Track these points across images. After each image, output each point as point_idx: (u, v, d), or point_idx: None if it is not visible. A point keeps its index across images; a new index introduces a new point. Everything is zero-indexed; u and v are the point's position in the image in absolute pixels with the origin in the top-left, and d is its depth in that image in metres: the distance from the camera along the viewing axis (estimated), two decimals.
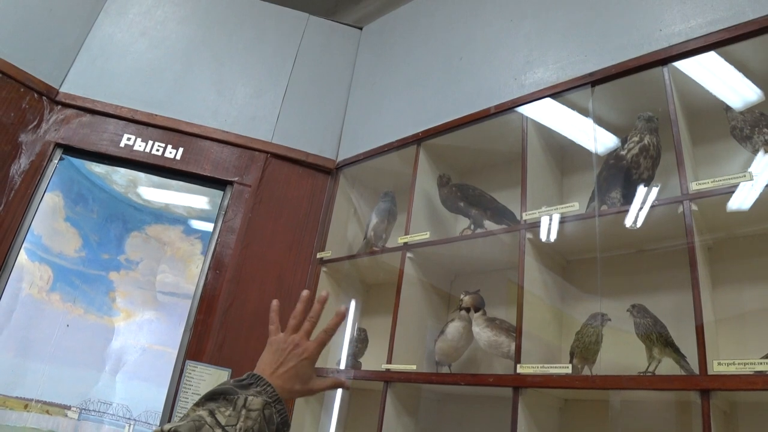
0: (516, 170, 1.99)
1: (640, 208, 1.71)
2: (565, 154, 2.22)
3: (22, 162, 2.43)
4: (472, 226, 2.17)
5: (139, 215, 3.87)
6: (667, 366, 1.56)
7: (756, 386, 1.29)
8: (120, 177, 3.43)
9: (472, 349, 2.06)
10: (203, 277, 2.49)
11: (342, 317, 1.22)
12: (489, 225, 2.17)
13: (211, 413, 0.97)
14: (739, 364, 1.35)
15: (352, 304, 2.64)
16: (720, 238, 1.72)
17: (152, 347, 3.66)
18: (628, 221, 1.71)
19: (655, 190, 1.72)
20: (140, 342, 3.74)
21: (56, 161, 2.53)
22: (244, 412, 1.00)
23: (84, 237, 3.65)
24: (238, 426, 0.97)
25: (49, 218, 3.14)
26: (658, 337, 1.59)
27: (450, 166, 2.44)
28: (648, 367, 1.60)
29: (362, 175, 2.79)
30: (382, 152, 2.57)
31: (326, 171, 2.81)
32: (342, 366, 2.31)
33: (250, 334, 2.43)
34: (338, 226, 2.74)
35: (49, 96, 2.52)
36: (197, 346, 2.38)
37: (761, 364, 1.33)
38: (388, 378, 2.01)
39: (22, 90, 2.44)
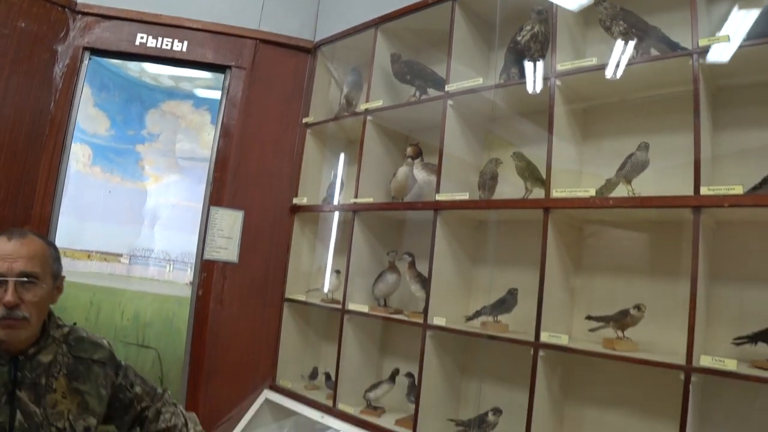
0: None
1: (533, 81, 2.44)
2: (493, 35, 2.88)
3: (60, 66, 3.16)
4: (417, 93, 2.91)
5: (154, 94, 4.62)
6: (538, 194, 2.36)
7: (575, 204, 2.13)
8: (133, 64, 4.14)
9: (417, 186, 2.88)
10: (215, 144, 3.31)
11: None
12: (432, 93, 2.89)
13: None
14: (570, 191, 2.18)
15: (341, 160, 3.46)
16: (591, 106, 2.46)
17: (179, 203, 4.58)
18: (513, 94, 2.47)
19: (540, 69, 2.43)
20: (169, 200, 4.66)
21: (86, 62, 3.25)
22: None
23: (111, 118, 4.45)
24: None
25: (82, 106, 3.88)
26: (529, 175, 2.41)
27: (403, 46, 3.11)
28: (524, 194, 2.43)
29: (337, 52, 3.49)
30: (350, 34, 3.25)
31: (306, 50, 3.51)
32: (335, 201, 3.18)
33: (255, 185, 3.31)
34: (319, 96, 3.51)
35: (69, 7, 3.19)
36: (217, 196, 3.26)
37: (586, 191, 2.14)
38: (355, 209, 2.90)
39: (47, 6, 3.10)
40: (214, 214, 3.26)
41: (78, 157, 4.28)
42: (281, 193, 3.37)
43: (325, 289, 3.17)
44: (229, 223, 3.27)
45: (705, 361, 1.82)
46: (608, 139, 2.46)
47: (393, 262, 2.82)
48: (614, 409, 2.28)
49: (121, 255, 4.61)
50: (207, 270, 3.22)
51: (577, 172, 2.47)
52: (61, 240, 4.17)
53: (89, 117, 4.28)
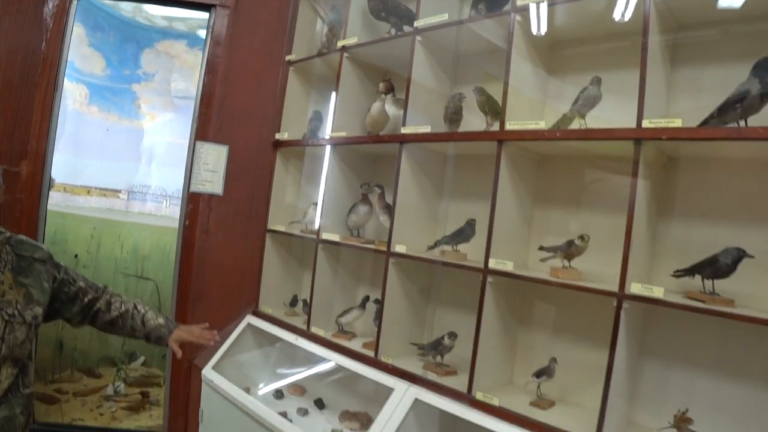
0: None
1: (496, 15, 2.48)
2: None
3: (50, 6, 3.24)
4: (392, 30, 2.96)
5: (148, 34, 4.70)
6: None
7: (526, 137, 2.21)
8: (126, 4, 4.20)
9: (392, 122, 2.97)
10: (201, 81, 3.41)
11: (206, 342, 2.17)
12: (408, 29, 2.93)
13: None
14: (522, 123, 2.25)
15: (331, 101, 3.53)
16: (556, 42, 2.50)
17: (174, 141, 4.71)
18: (483, 29, 2.51)
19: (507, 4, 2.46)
20: (165, 137, 4.79)
21: (75, 1, 3.32)
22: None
23: (107, 58, 4.55)
24: (149, 314, 2.06)
25: (76, 46, 3.97)
26: (490, 109, 2.48)
27: None
28: (486, 128, 2.50)
29: None
30: None
31: None
32: (318, 136, 3.29)
33: (239, 120, 3.42)
34: (302, 35, 3.56)
35: None
36: (202, 131, 3.37)
37: (537, 123, 2.21)
38: (330, 143, 3.01)
39: None
40: (199, 148, 3.39)
41: (75, 96, 4.41)
42: (264, 128, 3.49)
43: (306, 220, 3.31)
44: (214, 157, 3.40)
45: (635, 288, 1.93)
46: (573, 75, 2.51)
47: (365, 194, 2.94)
48: (563, 335, 2.42)
49: (119, 191, 4.79)
50: (193, 202, 3.37)
51: (541, 107, 2.53)
52: (61, 176, 4.35)
53: (84, 57, 4.39)
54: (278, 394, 3.20)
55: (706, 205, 2.14)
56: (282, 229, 3.39)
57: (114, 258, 4.60)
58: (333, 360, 2.83)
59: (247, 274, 3.48)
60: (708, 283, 1.96)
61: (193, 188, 3.38)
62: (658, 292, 1.89)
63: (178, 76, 4.79)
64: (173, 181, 4.61)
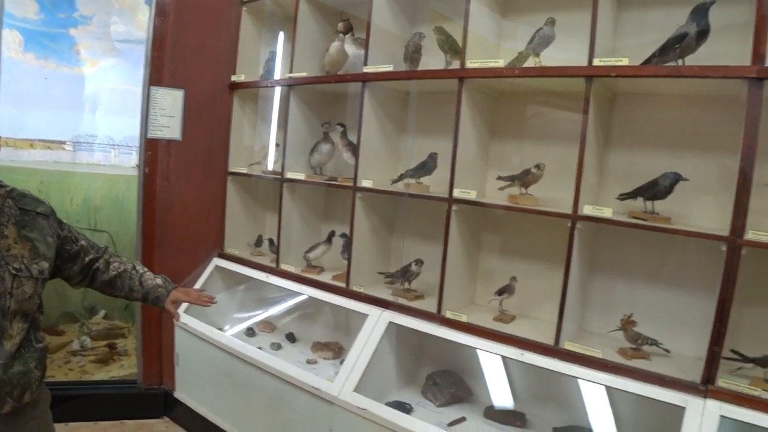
0: None
1: None
2: None
3: None
4: None
5: None
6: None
7: (486, 74, 2.38)
8: None
9: (350, 61, 3.08)
10: (151, 23, 3.40)
11: (204, 304, 2.14)
12: None
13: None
14: (482, 62, 2.42)
15: (280, 39, 3.58)
16: None
17: (118, 87, 4.63)
18: None
19: None
20: (108, 84, 4.69)
21: None
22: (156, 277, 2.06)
23: (38, 1, 4.37)
24: (147, 275, 2.01)
25: None
26: (449, 48, 2.63)
27: None
28: (445, 66, 2.66)
29: None
30: None
31: None
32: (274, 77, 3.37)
33: (193, 63, 3.45)
34: None
35: None
36: (156, 76, 3.39)
37: (496, 62, 2.39)
38: (290, 83, 3.11)
39: None
40: (154, 93, 3.41)
41: (9, 43, 4.25)
42: (220, 71, 3.53)
43: (267, 161, 3.43)
44: (170, 102, 3.43)
45: (587, 210, 2.19)
46: (526, 16, 2.68)
47: (327, 132, 3.08)
48: (521, 258, 2.69)
49: (64, 142, 4.70)
50: (152, 148, 3.42)
51: (496, 47, 2.71)
52: (1, 129, 4.22)
53: (15, 0, 4.21)
54: (249, 332, 3.38)
55: (646, 136, 2.40)
56: (243, 171, 3.49)
57: (65, 211, 4.56)
58: (306, 293, 3.02)
59: (211, 218, 3.59)
60: (649, 204, 2.24)
61: (151, 134, 3.42)
62: (607, 212, 2.16)
63: (118, 19, 4.66)
64: (120, 129, 4.56)
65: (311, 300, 3.06)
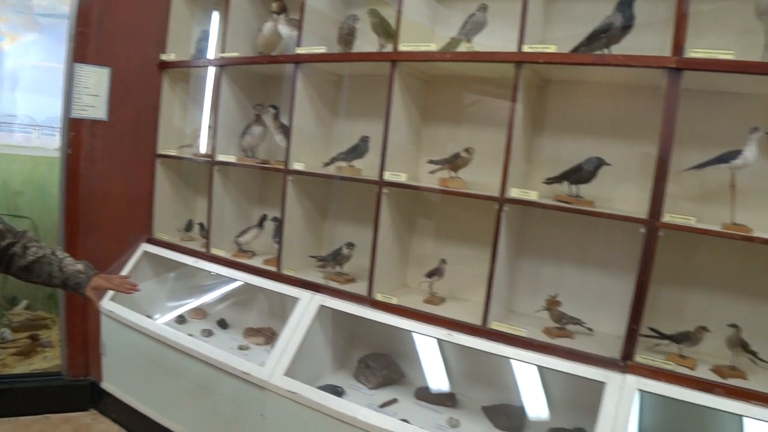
0: None
1: None
2: None
3: None
4: None
5: None
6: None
7: (418, 57, 2.40)
8: None
9: (284, 42, 3.04)
10: None
11: (126, 291, 2.11)
12: None
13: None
14: (414, 45, 2.43)
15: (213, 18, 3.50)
16: None
17: (40, 64, 4.43)
18: None
19: None
20: (29, 61, 4.48)
21: None
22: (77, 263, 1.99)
23: None
24: (67, 260, 1.97)
25: None
26: (383, 30, 2.64)
27: None
28: (378, 49, 2.67)
29: None
30: None
31: None
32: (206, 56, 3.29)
33: (122, 39, 3.32)
34: None
35: None
36: (80, 52, 3.25)
37: (428, 45, 2.40)
38: (222, 63, 3.05)
39: None
40: (78, 71, 3.27)
41: None
42: (149, 49, 3.42)
43: (198, 144, 3.35)
44: (96, 80, 3.30)
45: (514, 193, 2.24)
46: (461, 1, 2.72)
47: (259, 115, 3.04)
48: (451, 240, 2.73)
49: None
50: (75, 129, 3.28)
51: (430, 32, 2.73)
52: None
53: None
54: (180, 319, 3.31)
55: (575, 123, 2.48)
56: (173, 153, 3.41)
57: None
58: (237, 278, 2.98)
59: (139, 202, 3.49)
60: (574, 188, 2.31)
61: (74, 114, 3.28)
62: (533, 196, 2.22)
63: None
64: (43, 109, 4.38)
65: (244, 286, 3.03)
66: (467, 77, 2.64)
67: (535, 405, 2.52)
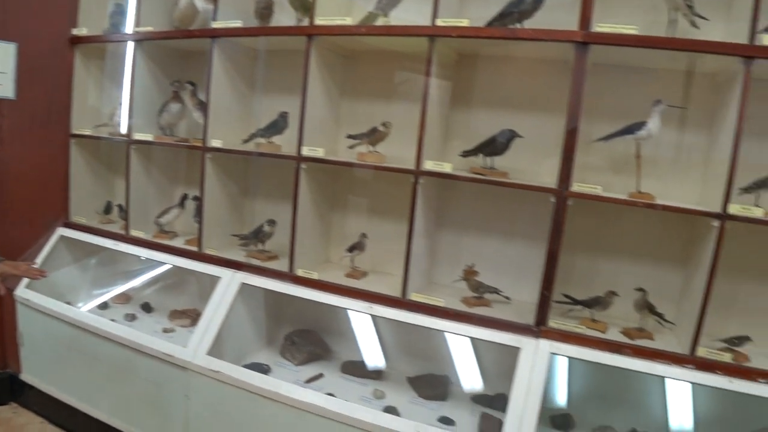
0: None
1: None
2: None
3: None
4: None
5: None
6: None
7: (334, 31, 2.39)
8: None
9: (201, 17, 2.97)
10: None
11: (34, 276, 2.12)
12: None
13: None
14: (330, 19, 2.42)
15: None
16: None
17: None
18: None
19: None
20: None
21: None
22: None
23: None
24: None
25: None
26: (300, 5, 2.61)
27: None
28: (296, 23, 2.64)
29: None
30: None
31: None
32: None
33: (29, 12, 3.14)
34: None
35: None
36: None
37: (344, 19, 2.39)
38: (136, 38, 2.97)
39: None
40: None
41: None
42: (60, 23, 3.27)
43: (115, 123, 3.25)
44: (1, 56, 3.15)
45: (428, 165, 2.28)
46: None
47: (177, 91, 2.98)
48: (372, 215, 2.77)
49: None
50: None
51: (348, 6, 2.73)
52: None
53: None
54: (102, 305, 3.24)
55: (490, 96, 2.54)
56: (88, 133, 3.30)
57: None
58: (158, 260, 2.93)
59: (54, 185, 3.36)
60: (488, 160, 2.37)
61: None
62: (447, 167, 2.27)
63: None
64: None
65: (171, 268, 2.98)
66: (386, 52, 2.66)
67: (458, 373, 2.60)
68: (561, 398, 2.52)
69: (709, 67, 2.22)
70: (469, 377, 2.58)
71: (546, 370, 2.13)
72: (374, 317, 2.46)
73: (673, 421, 2.41)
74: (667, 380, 2.25)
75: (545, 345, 2.19)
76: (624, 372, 2.20)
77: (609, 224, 2.46)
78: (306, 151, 2.47)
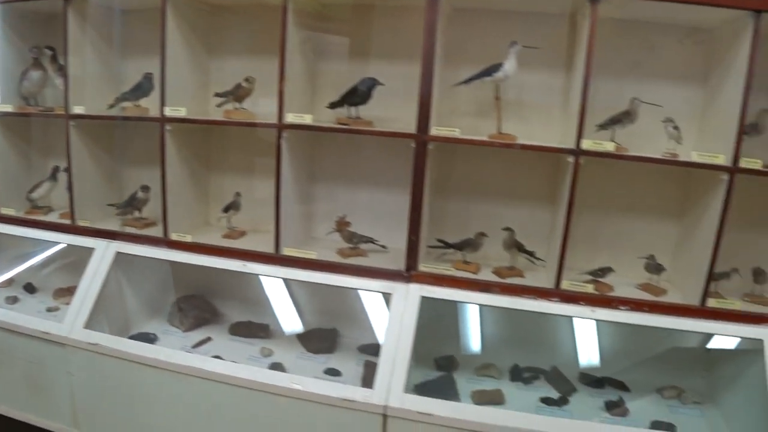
0: None
1: None
2: None
3: None
4: None
5: None
6: None
7: None
8: None
9: None
10: None
11: None
12: None
13: None
14: None
15: None
16: None
17: None
18: None
19: None
20: None
21: None
22: None
23: None
24: None
25: None
26: None
27: None
28: None
29: None
30: None
31: None
32: None
33: None
34: None
35: None
36: None
37: None
38: None
39: None
40: None
41: None
42: None
43: None
44: None
45: (290, 118, 2.29)
46: None
47: (37, 58, 2.85)
48: (247, 173, 2.76)
49: None
50: None
51: None
52: None
53: None
54: None
55: (356, 47, 2.56)
56: None
57: None
58: (30, 236, 2.84)
59: None
60: (353, 110, 2.39)
61: None
62: (308, 119, 2.28)
63: None
64: None
65: (55, 246, 2.89)
66: (252, 5, 2.61)
67: (345, 325, 2.66)
68: (447, 341, 2.61)
69: (566, 7, 2.29)
70: (355, 328, 2.64)
71: (416, 312, 2.21)
72: (263, 277, 2.46)
73: (563, 355, 2.55)
74: (552, 318, 2.33)
75: (415, 289, 2.26)
76: (510, 312, 2.30)
77: (480, 168, 2.54)
78: (169, 112, 2.43)
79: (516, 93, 2.43)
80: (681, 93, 2.38)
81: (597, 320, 2.23)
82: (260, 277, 2.50)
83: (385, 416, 2.02)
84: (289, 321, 2.71)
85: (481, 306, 2.38)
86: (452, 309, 2.53)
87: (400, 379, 2.06)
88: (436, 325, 2.59)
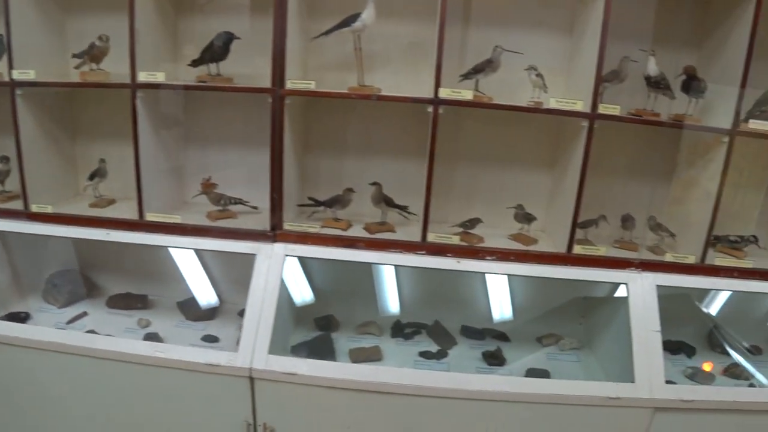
0: None
1: None
2: None
3: None
4: None
5: None
6: None
7: None
8: None
9: None
10: None
11: None
12: None
13: None
14: None
15: None
16: None
17: None
18: None
19: None
20: None
21: None
22: None
23: None
24: None
25: None
26: None
27: None
28: None
29: None
30: None
31: None
32: None
33: None
34: None
35: None
36: None
37: None
38: None
39: None
40: None
41: None
42: None
43: None
44: None
45: (142, 77, 2.24)
46: None
47: None
48: (115, 139, 2.66)
49: None
50: None
51: None
52: None
53: None
54: None
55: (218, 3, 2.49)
56: None
57: None
58: None
59: None
60: (213, 67, 2.35)
61: None
62: (160, 77, 2.23)
63: None
64: None
65: None
66: None
67: (228, 290, 2.66)
68: (331, 302, 2.63)
69: None
70: (239, 293, 2.63)
71: (280, 272, 2.21)
72: (139, 246, 2.41)
73: (447, 310, 2.61)
74: (438, 273, 2.32)
75: (280, 248, 2.26)
76: (399, 270, 2.33)
77: (350, 123, 2.53)
78: (17, 75, 2.35)
79: (383, 45, 2.42)
80: (548, 44, 2.42)
81: (462, 271, 2.26)
82: (137, 246, 2.45)
83: (251, 378, 2.03)
84: (169, 290, 2.68)
85: (368, 265, 2.39)
86: (338, 269, 2.54)
87: (264, 340, 2.07)
88: (320, 286, 2.62)
